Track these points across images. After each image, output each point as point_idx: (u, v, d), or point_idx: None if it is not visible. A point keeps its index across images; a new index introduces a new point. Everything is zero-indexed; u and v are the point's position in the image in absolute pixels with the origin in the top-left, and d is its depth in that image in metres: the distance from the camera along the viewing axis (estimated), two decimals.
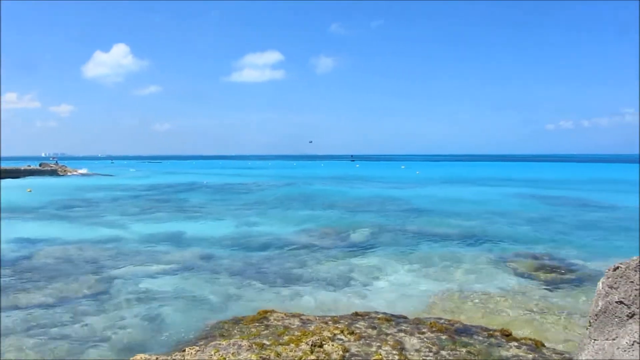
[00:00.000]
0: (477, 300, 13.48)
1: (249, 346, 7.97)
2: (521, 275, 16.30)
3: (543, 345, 9.54)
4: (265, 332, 9.77)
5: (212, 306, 12.98)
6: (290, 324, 10.29)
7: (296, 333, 9.32)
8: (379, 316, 11.08)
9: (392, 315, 11.33)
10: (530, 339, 9.70)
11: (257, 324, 10.40)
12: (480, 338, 9.70)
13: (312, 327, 9.94)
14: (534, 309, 12.66)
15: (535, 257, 18.70)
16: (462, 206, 35.87)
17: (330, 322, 10.41)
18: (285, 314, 11.09)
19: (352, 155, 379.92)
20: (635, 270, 4.39)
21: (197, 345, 8.38)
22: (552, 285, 14.95)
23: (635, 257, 4.47)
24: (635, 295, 4.25)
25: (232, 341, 8.20)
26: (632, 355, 3.92)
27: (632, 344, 3.95)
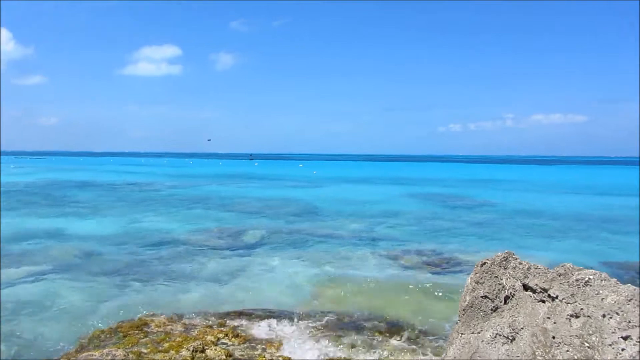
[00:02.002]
0: (364, 292, 13.77)
1: (125, 355, 7.46)
2: (407, 268, 16.91)
3: (425, 335, 9.89)
4: (144, 339, 9.22)
5: (87, 313, 12.03)
6: (172, 329, 9.82)
7: (178, 339, 8.90)
8: (265, 315, 10.92)
9: (281, 313, 11.23)
10: (411, 331, 10.00)
11: (136, 332, 9.78)
12: (365, 332, 9.86)
13: (196, 331, 9.56)
14: (418, 299, 13.13)
15: (420, 253, 19.44)
16: (355, 205, 36.69)
17: (215, 325, 10.08)
18: (167, 319, 10.58)
19: (251, 154, 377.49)
20: (499, 266, 4.55)
21: (66, 357, 7.71)
22: (437, 278, 15.61)
23: (499, 253, 4.64)
24: (499, 290, 4.40)
25: (105, 351, 7.63)
26: (495, 347, 4.04)
27: (495, 337, 4.07)
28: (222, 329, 9.82)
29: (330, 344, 9.26)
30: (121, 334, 9.80)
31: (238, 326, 10.14)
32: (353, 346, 9.18)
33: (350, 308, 12.19)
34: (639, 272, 16.43)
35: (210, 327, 10.02)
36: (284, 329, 10.11)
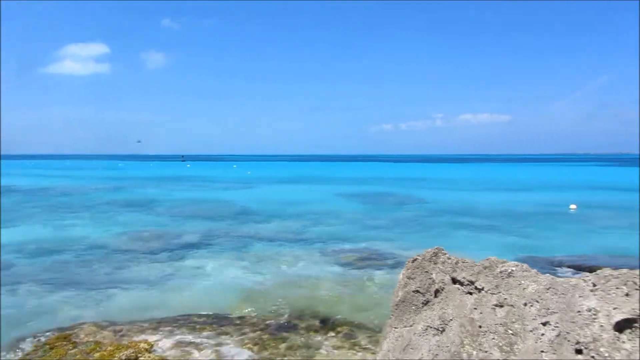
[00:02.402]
0: (301, 290, 13.84)
1: None
2: (342, 266, 17.12)
3: (361, 331, 10.08)
4: (73, 350, 8.86)
5: (9, 325, 11.38)
6: (102, 337, 9.50)
7: (109, 348, 8.61)
8: (201, 320, 10.77)
9: (216, 316, 11.11)
10: (347, 327, 10.18)
11: (64, 343, 9.36)
12: (301, 331, 9.94)
13: (128, 339, 9.29)
14: (354, 296, 13.35)
15: (355, 251, 19.75)
16: (289, 206, 36.76)
17: (148, 331, 9.84)
18: (97, 327, 10.21)
19: (183, 155, 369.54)
20: (430, 261, 4.73)
21: None
22: (372, 275, 15.90)
23: (429, 249, 4.82)
24: (430, 284, 4.58)
25: None
26: (426, 339, 4.20)
27: (426, 329, 4.23)
28: (155, 334, 9.59)
29: (266, 344, 9.26)
30: (47, 346, 9.32)
31: (172, 331, 9.94)
32: (290, 347, 9.24)
33: (286, 308, 12.22)
34: (554, 264, 17.42)
35: (143, 333, 9.77)
36: (220, 332, 10.02)
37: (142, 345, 8.71)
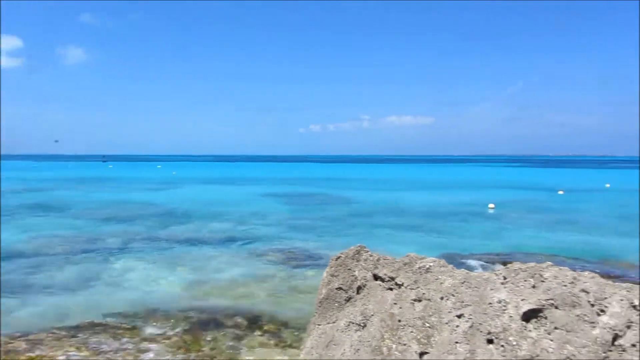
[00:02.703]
0: (226, 291, 13.73)
1: None
2: (270, 266, 17.13)
3: (287, 329, 10.14)
4: None
5: None
6: (14, 347, 8.98)
7: (22, 358, 8.16)
8: (121, 325, 10.43)
9: (139, 320, 10.80)
10: (273, 326, 10.21)
11: None
12: (226, 332, 9.87)
13: (43, 348, 8.84)
14: (281, 295, 13.40)
15: (283, 251, 19.79)
16: (216, 206, 36.26)
17: (65, 339, 9.41)
18: (8, 337, 9.64)
19: (104, 156, 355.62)
20: (353, 259, 4.84)
21: None
22: (299, 274, 16.01)
23: (352, 247, 4.93)
24: (352, 281, 4.68)
25: None
26: (349, 335, 4.30)
27: (348, 325, 4.33)
28: (72, 343, 9.19)
29: (190, 346, 9.12)
30: None
31: (90, 338, 9.56)
32: (214, 348, 9.14)
33: (210, 309, 12.06)
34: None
35: (59, 341, 9.32)
36: (142, 337, 9.75)
37: (57, 354, 8.33)
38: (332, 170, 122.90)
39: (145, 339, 9.63)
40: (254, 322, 10.75)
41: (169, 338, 9.60)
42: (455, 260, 17.73)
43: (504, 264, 14.42)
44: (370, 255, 4.69)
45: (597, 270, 15.03)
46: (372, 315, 4.21)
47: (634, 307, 4.03)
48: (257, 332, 9.96)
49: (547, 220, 28.81)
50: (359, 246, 4.79)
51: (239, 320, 10.85)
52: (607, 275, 14.75)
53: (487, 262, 17.26)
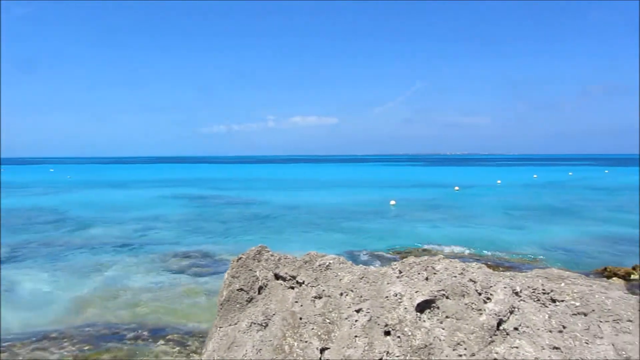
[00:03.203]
0: (126, 300, 13.16)
1: None
2: (172, 272, 16.62)
3: (191, 336, 9.92)
4: None
5: None
6: None
7: None
8: (14, 339, 9.71)
9: (30, 334, 10.09)
10: (177, 334, 9.95)
11: None
12: (127, 342, 9.48)
13: None
14: (184, 301, 13.06)
15: (186, 255, 19.31)
16: (114, 211, 34.66)
17: None
18: None
19: None
20: (254, 259, 4.83)
21: None
22: (203, 278, 15.68)
23: (253, 248, 4.92)
24: (253, 282, 4.67)
25: None
26: (250, 335, 4.28)
27: (250, 325, 4.32)
28: None
29: (88, 357, 8.66)
30: None
31: None
32: (114, 358, 8.74)
33: (110, 319, 11.54)
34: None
35: None
36: (36, 347, 9.12)
37: None
38: (236, 171, 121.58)
39: (39, 349, 9.01)
40: (156, 331, 10.39)
41: (64, 348, 9.05)
42: (358, 256, 18.22)
43: (404, 258, 15.05)
44: (272, 255, 4.70)
45: (490, 262, 16.01)
46: (274, 314, 4.22)
47: (516, 293, 4.36)
48: (160, 342, 9.64)
49: (445, 216, 30.33)
50: (260, 246, 4.80)
51: (141, 330, 10.44)
52: (496, 266, 15.83)
53: (389, 257, 17.87)
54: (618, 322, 4.11)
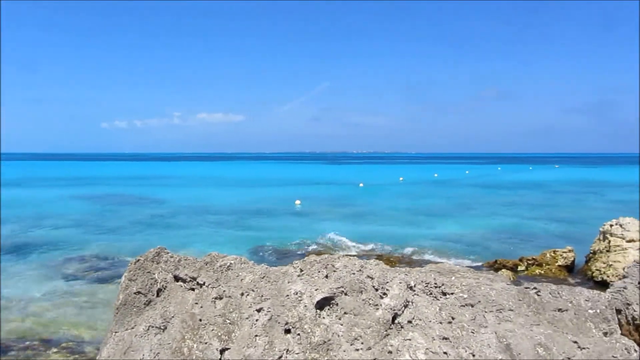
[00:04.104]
0: (17, 310, 12.28)
1: None
2: (68, 278, 15.73)
3: (89, 344, 9.49)
4: None
5: None
6: None
7: None
8: None
9: None
10: (72, 342, 9.47)
11: None
12: (17, 354, 8.88)
13: None
14: (82, 307, 12.42)
15: (83, 259, 18.33)
16: (3, 211, 32.19)
17: None
18: None
19: None
20: (152, 261, 4.71)
21: None
22: (101, 282, 15.00)
23: (152, 249, 4.79)
24: (152, 284, 4.56)
25: None
26: (148, 339, 4.17)
27: (148, 329, 4.21)
28: None
29: None
30: None
31: None
32: None
33: (9, 335, 10.75)
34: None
35: None
36: None
37: None
38: (138, 168, 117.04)
39: None
40: (49, 341, 9.77)
41: None
42: (263, 255, 18.18)
43: (309, 255, 15.21)
44: (171, 257, 4.61)
45: (392, 257, 16.50)
46: (173, 317, 4.15)
47: (411, 288, 4.58)
48: (54, 349, 9.09)
49: (350, 212, 31.04)
50: (159, 248, 4.68)
51: (32, 341, 9.77)
52: (396, 260, 16.45)
53: (294, 255, 17.99)
54: (501, 312, 4.44)
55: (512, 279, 13.20)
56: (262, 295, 4.24)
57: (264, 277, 4.41)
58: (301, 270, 4.53)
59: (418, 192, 47.67)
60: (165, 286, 4.42)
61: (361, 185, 51.88)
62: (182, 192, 47.19)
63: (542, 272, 14.66)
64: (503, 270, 14.45)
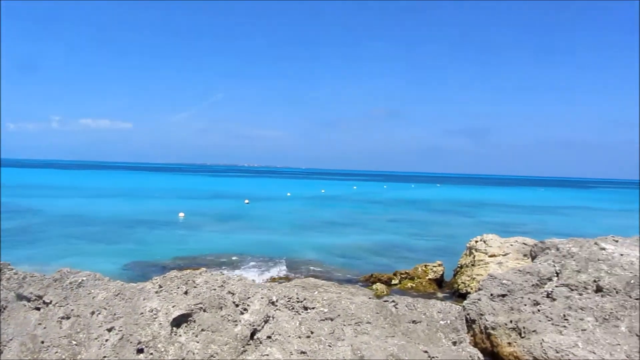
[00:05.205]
0: None
1: None
2: None
3: None
4: None
5: None
6: None
7: None
8: None
9: None
10: None
11: None
12: None
13: None
14: None
15: None
16: None
17: None
18: None
19: None
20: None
21: None
22: None
23: None
24: None
25: None
26: None
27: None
28: None
29: None
30: None
31: None
32: None
33: None
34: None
35: None
36: None
37: None
38: (7, 175, 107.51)
39: None
40: None
41: None
42: (133, 269, 17.24)
43: (189, 269, 14.73)
44: (15, 274, 4.27)
45: (279, 266, 16.39)
46: (11, 339, 3.83)
47: (273, 303, 4.59)
48: None
49: (234, 226, 30.70)
50: (1, 264, 4.32)
51: None
52: (279, 276, 16.47)
53: (169, 269, 17.31)
54: (359, 325, 4.59)
55: (385, 292, 13.73)
56: (114, 314, 4.04)
57: (118, 294, 4.22)
58: (160, 287, 4.39)
59: (304, 207, 48.29)
60: (6, 306, 4.07)
61: (247, 202, 51.45)
62: (57, 203, 43.92)
63: (414, 285, 15.39)
64: (377, 283, 14.98)
